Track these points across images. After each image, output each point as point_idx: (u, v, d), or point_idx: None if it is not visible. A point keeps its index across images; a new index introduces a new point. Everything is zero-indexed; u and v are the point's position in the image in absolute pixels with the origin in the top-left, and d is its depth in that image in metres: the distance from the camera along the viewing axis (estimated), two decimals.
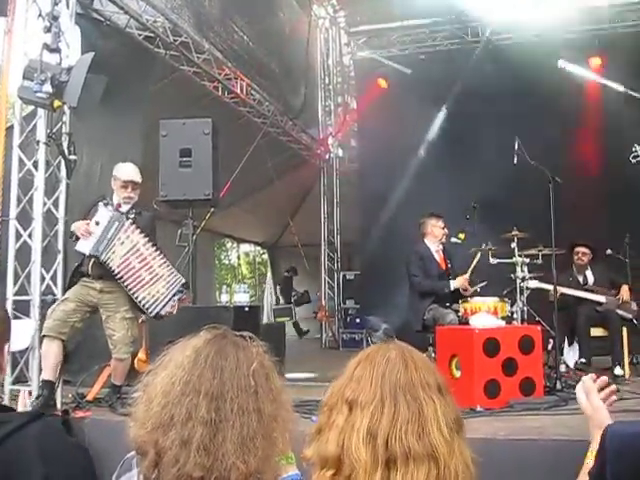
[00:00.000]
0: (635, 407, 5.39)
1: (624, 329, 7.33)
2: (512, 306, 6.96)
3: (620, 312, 7.45)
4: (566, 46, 11.44)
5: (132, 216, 5.67)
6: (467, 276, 7.18)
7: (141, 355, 6.44)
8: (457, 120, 11.85)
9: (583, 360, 7.23)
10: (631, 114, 10.47)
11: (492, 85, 10.99)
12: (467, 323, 6.35)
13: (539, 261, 7.35)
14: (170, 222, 8.67)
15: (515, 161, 7.06)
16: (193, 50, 9.50)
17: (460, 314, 6.68)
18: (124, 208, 5.71)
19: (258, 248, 22.34)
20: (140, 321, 6.28)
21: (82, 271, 5.61)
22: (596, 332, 7.51)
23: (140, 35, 8.62)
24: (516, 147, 7.06)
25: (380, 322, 12.05)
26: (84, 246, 5.54)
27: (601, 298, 7.54)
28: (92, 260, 5.54)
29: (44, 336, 5.43)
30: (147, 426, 1.60)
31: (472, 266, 7.29)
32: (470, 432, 1.63)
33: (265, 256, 21.29)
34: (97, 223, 5.54)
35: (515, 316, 7.01)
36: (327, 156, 14.85)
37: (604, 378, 2.05)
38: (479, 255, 7.32)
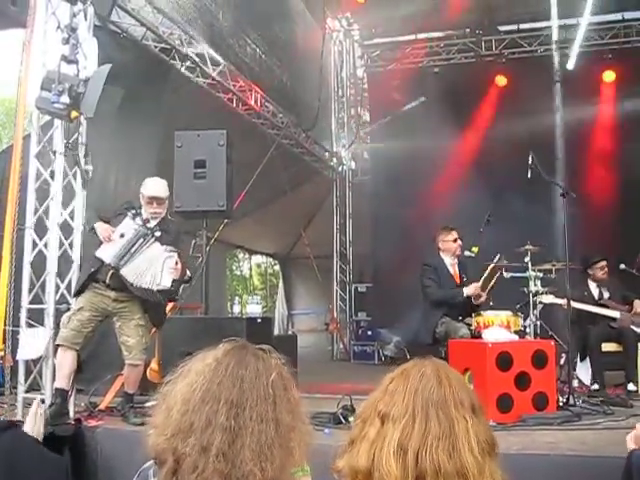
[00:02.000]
0: None
1: (638, 345, 7.29)
2: (525, 320, 6.94)
3: (634, 328, 7.41)
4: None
5: (158, 234, 5.67)
6: (479, 284, 7.12)
7: (153, 365, 6.46)
8: (471, 133, 11.86)
9: (596, 387, 7.15)
10: None
11: (505, 98, 11.03)
12: (480, 337, 6.32)
13: (552, 275, 7.33)
14: (184, 233, 8.71)
15: (529, 175, 7.04)
16: (208, 62, 9.57)
17: (473, 328, 6.65)
18: (151, 223, 5.73)
19: (270, 259, 22.35)
20: (152, 331, 6.31)
21: (98, 278, 5.61)
22: (609, 347, 7.46)
23: (156, 47, 8.69)
24: (530, 161, 7.05)
25: (391, 335, 12.04)
26: (105, 254, 5.56)
27: (615, 313, 7.50)
28: (111, 272, 5.56)
29: (58, 345, 5.46)
30: (166, 433, 1.62)
31: (484, 275, 7.23)
32: None
33: (277, 267, 21.30)
34: (122, 235, 5.57)
35: (528, 330, 6.98)
36: (340, 168, 14.90)
37: None
38: (491, 266, 7.27)
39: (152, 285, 5.55)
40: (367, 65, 14.57)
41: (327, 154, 14.38)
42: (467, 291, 7.10)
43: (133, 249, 5.57)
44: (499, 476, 1.56)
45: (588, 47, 11.99)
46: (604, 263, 7.80)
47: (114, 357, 6.26)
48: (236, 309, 8.47)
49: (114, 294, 5.61)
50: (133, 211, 5.72)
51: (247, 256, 25.22)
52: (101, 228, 5.58)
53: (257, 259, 24.84)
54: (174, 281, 5.62)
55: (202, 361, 1.72)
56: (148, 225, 5.71)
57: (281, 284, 19.60)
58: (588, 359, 7.45)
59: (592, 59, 11.79)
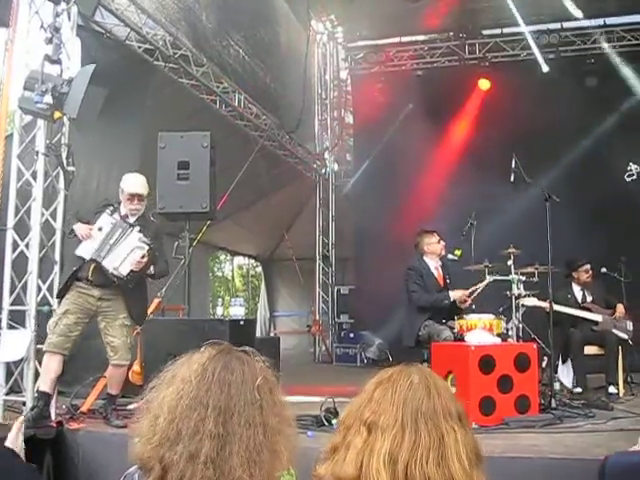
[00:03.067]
0: (629, 426, 5.41)
1: (619, 348, 7.35)
2: (508, 323, 6.98)
3: (616, 332, 7.46)
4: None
5: (137, 229, 5.68)
6: (468, 292, 7.15)
7: (136, 367, 6.42)
8: (454, 136, 11.92)
9: (579, 390, 7.19)
10: (626, 132, 10.56)
11: (490, 103, 11.09)
12: (463, 340, 6.35)
13: (535, 279, 7.36)
14: (166, 235, 8.67)
15: (512, 179, 7.08)
16: (192, 63, 9.54)
17: (456, 331, 6.67)
18: (131, 220, 5.75)
19: (252, 261, 22.31)
20: (135, 333, 6.27)
21: (80, 276, 5.60)
22: (591, 350, 7.52)
23: (140, 47, 8.65)
24: (513, 165, 7.09)
25: (374, 337, 12.06)
26: (85, 251, 5.57)
27: (598, 317, 7.56)
28: (93, 266, 5.56)
29: (46, 351, 5.42)
30: (153, 441, 1.61)
31: (478, 288, 7.24)
32: None
33: (259, 269, 21.25)
34: (100, 229, 5.57)
35: (510, 333, 7.02)
36: (323, 170, 14.90)
37: None
38: (487, 281, 7.25)
39: (110, 267, 5.53)
40: (351, 67, 14.58)
41: (310, 156, 14.37)
42: (454, 295, 7.11)
43: (112, 240, 5.57)
44: None
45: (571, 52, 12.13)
46: (588, 266, 7.87)
47: (95, 359, 6.23)
48: (219, 311, 8.44)
49: (98, 292, 5.60)
50: (111, 207, 5.72)
51: (229, 258, 25.16)
52: (79, 228, 5.57)
53: (239, 261, 24.76)
54: (131, 272, 5.58)
55: (187, 367, 1.70)
56: (127, 220, 5.71)
57: (263, 286, 19.55)
58: (569, 362, 7.50)
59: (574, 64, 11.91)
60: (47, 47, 5.48)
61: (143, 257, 5.57)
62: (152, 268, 5.84)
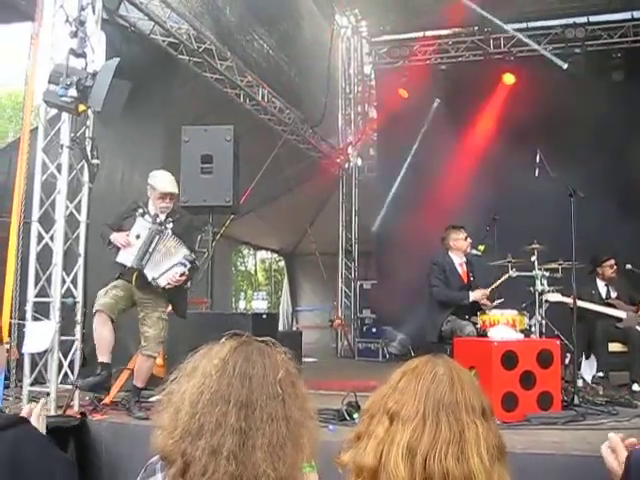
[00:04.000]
0: None
1: None
2: (531, 319, 6.94)
3: (639, 329, 7.39)
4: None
5: (170, 226, 5.78)
6: (487, 291, 7.15)
7: (159, 360, 6.46)
8: (478, 131, 11.85)
9: (601, 374, 7.17)
10: None
11: (515, 97, 11.00)
12: (485, 335, 6.32)
13: (559, 274, 7.31)
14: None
15: (536, 173, 7.02)
16: (216, 57, 9.56)
17: (478, 326, 6.64)
18: (161, 217, 5.83)
19: (275, 255, 22.34)
20: None
21: (125, 280, 5.74)
22: (614, 347, 7.45)
23: (164, 41, 8.69)
24: (537, 160, 7.03)
25: (396, 332, 12.04)
26: (125, 258, 5.70)
27: (622, 314, 7.49)
28: (136, 274, 5.69)
29: (96, 312, 5.54)
30: (174, 435, 1.62)
31: (496, 284, 7.24)
32: None
33: (282, 263, 21.29)
34: (138, 236, 5.69)
35: (533, 329, 6.98)
36: (346, 165, 14.87)
37: (632, 440, 1.95)
38: (506, 276, 7.25)
39: (149, 277, 5.67)
40: (375, 62, 14.53)
41: (333, 151, 14.36)
42: (473, 296, 7.10)
43: (151, 247, 5.68)
44: (507, 478, 1.53)
45: (598, 46, 11.99)
46: (613, 261, 7.81)
47: (119, 351, 6.27)
48: (241, 305, 8.46)
49: (140, 293, 5.77)
50: (140, 210, 5.78)
51: (252, 252, 25.20)
52: (117, 237, 5.70)
53: (262, 255, 24.81)
54: (168, 284, 5.71)
55: (208, 360, 1.71)
56: (158, 220, 5.78)
57: (286, 280, 19.59)
58: (592, 358, 7.44)
59: (600, 58, 11.77)
60: (72, 41, 5.53)
61: (182, 275, 5.71)
62: (189, 283, 6.03)
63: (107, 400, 5.97)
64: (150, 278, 5.67)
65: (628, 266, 8.14)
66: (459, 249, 7.37)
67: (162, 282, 5.68)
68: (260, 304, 8.11)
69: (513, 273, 7.21)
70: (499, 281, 7.21)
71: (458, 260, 7.38)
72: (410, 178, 12.22)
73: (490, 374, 5.64)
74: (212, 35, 9.43)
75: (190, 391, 1.66)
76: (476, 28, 12.92)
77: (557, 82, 11.21)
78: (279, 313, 17.88)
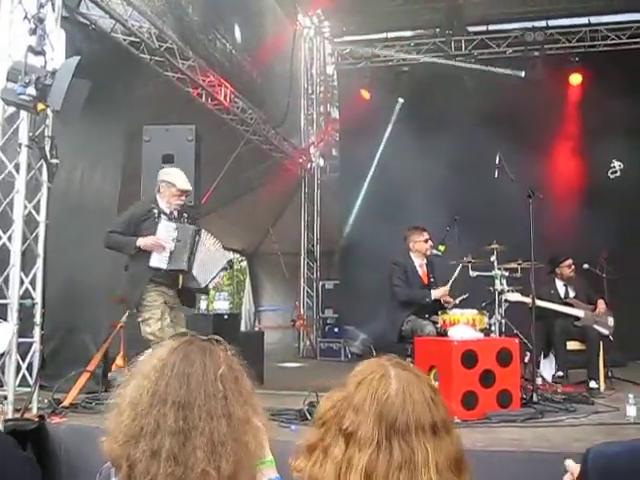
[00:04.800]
0: (610, 420, 5.46)
1: (601, 344, 7.42)
2: (490, 318, 7.03)
3: (597, 327, 7.53)
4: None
5: (195, 224, 6.15)
6: (448, 288, 7.23)
7: (118, 361, 6.42)
8: (440, 133, 11.93)
9: (560, 373, 7.30)
10: (609, 130, 10.62)
11: (474, 99, 11.12)
12: (445, 335, 6.39)
13: (518, 274, 7.42)
14: None
15: (496, 175, 7.13)
16: (178, 56, 9.48)
17: (439, 326, 6.71)
18: (175, 214, 6.07)
19: (237, 255, 22.25)
20: (119, 326, 6.26)
21: (159, 281, 5.93)
22: (573, 346, 7.59)
23: (125, 40, 8.59)
24: (497, 161, 7.13)
25: (358, 332, 12.07)
26: (160, 261, 5.88)
27: (580, 313, 7.62)
28: (181, 276, 5.96)
29: None
30: (119, 440, 1.61)
31: (452, 278, 7.33)
32: None
33: (244, 263, 21.20)
34: (178, 240, 5.90)
35: (493, 328, 7.06)
36: (308, 165, 14.89)
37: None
38: (459, 268, 7.37)
39: (202, 282, 6.03)
40: (337, 62, 14.57)
41: (296, 151, 14.36)
42: (435, 294, 7.17)
43: (194, 248, 5.93)
44: None
45: (556, 50, 12.17)
46: (570, 261, 7.95)
47: (78, 353, 6.21)
48: (203, 305, 8.42)
49: (172, 292, 6.02)
50: (156, 211, 5.98)
51: None
52: (147, 242, 5.84)
53: None
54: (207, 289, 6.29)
55: (148, 362, 1.70)
56: (173, 216, 6.05)
57: (248, 280, 19.51)
58: (551, 356, 7.57)
59: (558, 62, 11.95)
60: (31, 38, 5.46)
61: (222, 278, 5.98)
62: None
63: (66, 403, 5.90)
64: (203, 283, 5.97)
65: (585, 266, 8.30)
66: (419, 251, 7.42)
67: (210, 285, 6.13)
68: (222, 304, 8.04)
69: (460, 267, 7.32)
70: (453, 276, 7.31)
71: (419, 261, 7.44)
72: (372, 178, 12.26)
73: (450, 373, 5.71)
74: (174, 34, 9.35)
75: (130, 394, 1.65)
76: (437, 30, 13.03)
77: (517, 84, 11.38)
78: (241, 313, 17.81)
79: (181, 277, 5.94)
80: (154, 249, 5.82)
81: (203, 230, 6.06)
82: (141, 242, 5.83)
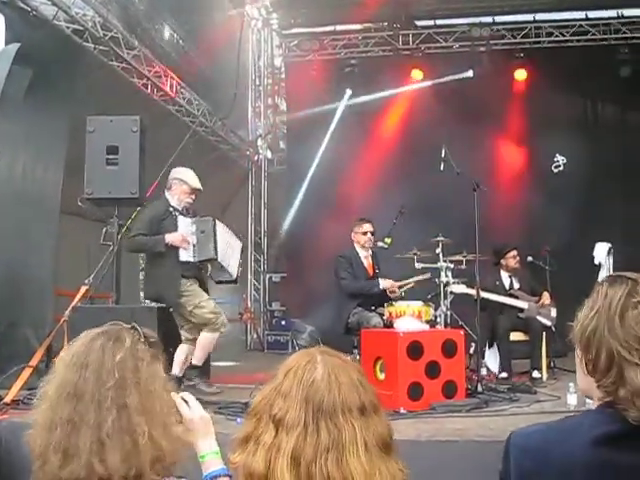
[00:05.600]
0: (552, 409, 5.58)
1: (543, 335, 7.56)
2: (436, 310, 7.11)
3: (540, 319, 7.67)
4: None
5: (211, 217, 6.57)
6: (397, 283, 7.29)
7: (62, 354, 6.29)
8: (386, 125, 12.02)
9: (504, 375, 7.39)
10: (553, 125, 10.83)
11: (422, 94, 11.23)
12: (392, 326, 6.43)
13: (463, 266, 7.52)
14: (94, 221, 8.49)
15: (442, 168, 7.20)
16: (123, 46, 9.32)
17: (385, 317, 6.76)
18: (189, 210, 6.49)
19: None
20: (62, 320, 6.15)
21: (188, 275, 6.41)
22: (516, 336, 7.72)
23: (68, 28, 8.39)
24: (443, 155, 7.21)
25: (305, 325, 12.08)
26: (188, 255, 6.33)
27: (524, 304, 7.75)
28: (212, 264, 6.52)
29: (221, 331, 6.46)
30: (35, 432, 1.65)
31: (406, 282, 7.38)
32: (394, 434, 1.63)
33: None
34: (201, 232, 6.34)
35: (439, 320, 7.15)
36: (256, 157, 14.80)
37: None
38: (416, 279, 7.42)
39: (234, 274, 6.72)
40: (285, 55, 14.51)
41: (243, 143, 14.27)
42: (383, 284, 7.22)
43: (216, 238, 6.31)
44: (394, 469, 1.54)
45: (502, 45, 12.32)
46: (515, 252, 8.07)
47: (20, 348, 6.07)
48: None
49: (198, 283, 6.55)
50: (171, 209, 6.40)
51: None
52: (173, 238, 6.28)
53: None
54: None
55: (63, 354, 1.73)
56: (186, 213, 6.46)
57: None
58: (496, 347, 7.69)
59: (504, 57, 12.10)
60: None
61: None
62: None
63: (7, 399, 5.77)
64: (234, 274, 6.69)
65: (529, 258, 8.45)
66: (358, 242, 7.48)
67: (235, 274, 6.74)
68: None
69: (424, 277, 7.39)
70: (412, 281, 7.38)
71: (363, 253, 7.49)
72: (319, 171, 12.27)
73: (396, 364, 5.76)
74: (119, 23, 9.17)
75: (45, 387, 1.68)
76: (385, 24, 13.07)
77: (463, 78, 11.52)
78: None
79: (211, 271, 6.53)
80: (182, 244, 6.19)
81: (217, 219, 6.52)
82: (169, 238, 6.19)
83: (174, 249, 6.25)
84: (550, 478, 1.52)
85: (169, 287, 6.39)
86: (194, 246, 6.28)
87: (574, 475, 1.48)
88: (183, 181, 6.44)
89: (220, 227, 6.52)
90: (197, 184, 6.55)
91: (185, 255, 6.27)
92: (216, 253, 6.32)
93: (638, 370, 1.45)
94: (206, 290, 6.81)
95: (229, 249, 6.62)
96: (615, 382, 1.48)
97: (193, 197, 6.49)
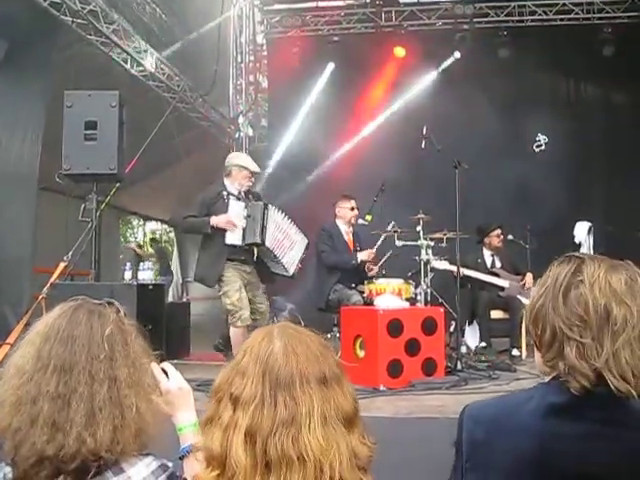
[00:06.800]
0: (531, 386, 5.59)
1: (523, 313, 7.59)
2: (416, 288, 7.12)
3: (520, 297, 7.69)
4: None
5: (263, 201, 6.59)
6: (374, 250, 7.31)
7: (37, 327, 6.24)
8: (369, 103, 11.96)
9: (484, 344, 7.46)
10: (536, 104, 10.82)
11: (405, 71, 11.17)
12: (372, 304, 6.43)
13: (443, 244, 7.53)
14: (73, 197, 8.41)
15: (423, 146, 7.19)
16: (102, 20, 9.17)
17: (365, 295, 6.76)
18: (242, 195, 6.53)
19: (165, 226, 21.98)
20: (40, 297, 6.09)
21: (234, 258, 6.38)
22: (496, 314, 7.76)
23: (45, 0, 8.25)
24: (424, 132, 7.19)
25: (286, 302, 12.08)
26: (234, 238, 6.32)
27: (505, 283, 7.78)
28: (255, 248, 6.43)
29: (240, 327, 6.29)
30: (5, 409, 1.57)
31: (377, 244, 7.41)
32: (373, 411, 1.61)
33: (172, 234, 20.98)
34: (248, 216, 6.31)
35: (419, 298, 7.17)
36: (237, 135, 14.68)
37: None
38: (384, 236, 7.45)
39: (290, 270, 6.59)
40: (267, 31, 14.35)
41: (224, 120, 14.16)
42: (361, 256, 7.24)
43: (264, 222, 6.27)
44: (357, 444, 1.47)
45: (485, 23, 12.25)
46: (499, 231, 8.09)
47: None
48: (127, 276, 8.25)
49: (249, 268, 6.51)
50: (224, 193, 6.42)
51: (142, 223, 24.72)
52: (219, 220, 6.29)
53: (152, 226, 24.38)
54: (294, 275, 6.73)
55: (36, 327, 1.65)
56: (242, 197, 6.49)
57: (176, 251, 19.32)
58: (475, 324, 7.73)
59: (487, 36, 12.05)
60: None
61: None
62: None
63: None
64: (291, 271, 6.60)
65: (510, 237, 8.45)
66: (343, 217, 7.49)
67: (292, 270, 6.60)
68: (147, 274, 7.95)
69: (385, 232, 7.42)
70: (380, 239, 7.43)
71: (345, 228, 7.49)
72: (301, 149, 12.18)
73: (376, 342, 5.76)
74: None
75: (16, 362, 1.61)
76: (368, 1, 12.96)
77: (446, 56, 11.47)
78: (166, 284, 17.63)
79: (266, 260, 6.53)
80: (227, 227, 6.24)
81: (271, 205, 6.48)
82: (214, 220, 6.25)
83: (221, 232, 6.30)
84: (500, 448, 1.58)
85: (211, 269, 6.48)
86: (243, 230, 6.30)
87: (523, 444, 1.54)
88: (243, 167, 6.52)
89: (276, 215, 6.50)
90: (257, 167, 6.74)
91: (231, 238, 6.32)
92: (262, 238, 6.28)
93: (574, 346, 1.52)
94: (270, 276, 6.81)
95: (286, 240, 6.57)
96: (555, 357, 1.57)
97: (253, 180, 6.67)
